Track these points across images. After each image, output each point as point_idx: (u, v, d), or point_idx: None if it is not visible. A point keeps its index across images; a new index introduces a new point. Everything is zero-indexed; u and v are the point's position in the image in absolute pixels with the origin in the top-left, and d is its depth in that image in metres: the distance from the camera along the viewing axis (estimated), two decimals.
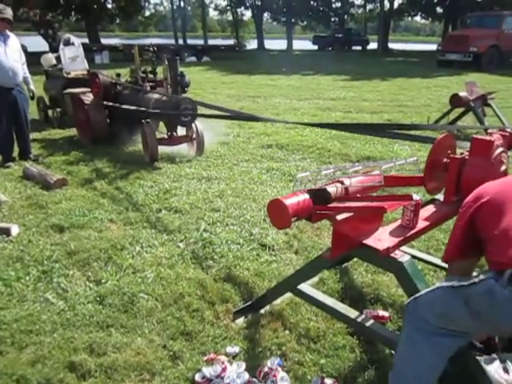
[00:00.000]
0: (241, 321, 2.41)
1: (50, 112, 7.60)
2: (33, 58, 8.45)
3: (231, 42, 37.26)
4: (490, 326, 1.49)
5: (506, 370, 1.88)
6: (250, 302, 2.50)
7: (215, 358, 2.09)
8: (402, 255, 1.80)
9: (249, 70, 17.65)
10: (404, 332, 1.64)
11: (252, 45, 39.37)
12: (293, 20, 40.80)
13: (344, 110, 8.77)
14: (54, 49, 8.55)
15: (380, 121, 7.71)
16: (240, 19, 44.95)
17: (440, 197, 2.28)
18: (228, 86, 13.11)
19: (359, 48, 36.30)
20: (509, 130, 2.36)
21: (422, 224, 1.99)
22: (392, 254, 1.79)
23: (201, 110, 5.47)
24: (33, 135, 5.94)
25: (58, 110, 7.37)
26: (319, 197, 1.80)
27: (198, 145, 5.54)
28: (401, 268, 1.77)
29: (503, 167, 2.11)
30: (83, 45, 7.85)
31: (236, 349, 2.17)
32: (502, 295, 1.31)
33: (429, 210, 2.16)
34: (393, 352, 2.09)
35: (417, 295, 1.59)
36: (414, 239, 2.08)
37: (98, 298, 2.59)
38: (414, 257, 2.62)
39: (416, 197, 1.88)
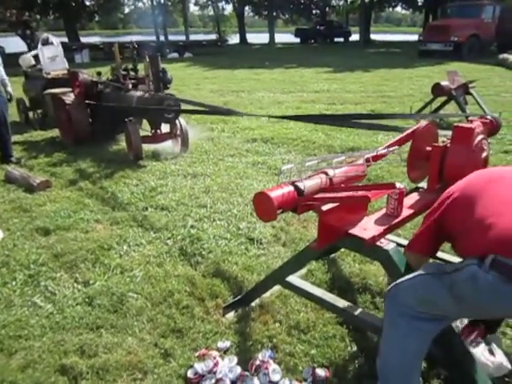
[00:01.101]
0: (231, 315, 2.41)
1: (30, 114, 7.48)
2: (11, 59, 8.31)
3: (213, 36, 37.01)
4: (474, 311, 1.52)
5: (491, 352, 1.93)
6: (239, 297, 2.51)
7: (207, 353, 2.09)
8: (388, 243, 1.82)
9: (231, 64, 17.57)
10: (387, 317, 1.67)
11: (234, 39, 39.16)
12: (274, 13, 40.64)
13: (328, 102, 8.79)
14: (32, 49, 8.38)
15: (363, 112, 7.75)
16: (221, 14, 44.62)
17: (423, 185, 2.31)
18: (211, 81, 13.05)
19: (341, 40, 36.33)
20: (489, 117, 2.40)
21: (406, 212, 2.02)
22: (377, 243, 1.81)
23: (184, 107, 5.44)
24: (14, 138, 5.84)
25: (39, 111, 7.26)
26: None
27: (183, 141, 5.51)
28: (386, 256, 1.79)
29: (484, 154, 2.15)
30: (62, 44, 7.73)
31: (227, 343, 2.18)
32: (485, 280, 1.33)
33: (413, 198, 2.19)
34: None
35: (398, 281, 1.62)
36: (399, 227, 2.11)
37: (86, 300, 2.57)
38: (399, 245, 2.65)
39: (400, 185, 1.90)
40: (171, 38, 35.73)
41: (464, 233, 1.53)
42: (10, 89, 5.37)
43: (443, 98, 6.80)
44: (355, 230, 1.86)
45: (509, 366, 1.90)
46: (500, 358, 1.91)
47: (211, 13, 47.96)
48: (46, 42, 7.22)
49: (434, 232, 1.69)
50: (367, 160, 2.01)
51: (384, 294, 1.69)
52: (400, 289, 1.59)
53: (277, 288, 2.51)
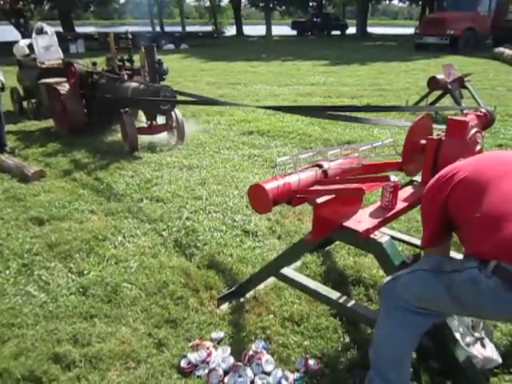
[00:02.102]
0: (225, 307, 2.42)
1: (24, 103, 7.43)
2: (5, 48, 8.22)
3: (209, 28, 36.73)
4: (472, 312, 1.50)
5: (482, 345, 1.95)
6: (233, 288, 2.52)
7: (200, 343, 2.11)
8: (382, 236, 1.83)
9: (228, 56, 17.49)
10: (382, 309, 1.67)
11: (230, 31, 38.91)
12: (271, 5, 40.34)
13: (324, 95, 8.78)
14: (26, 38, 8.31)
15: (360, 105, 7.75)
16: (218, 5, 44.18)
17: (418, 178, 2.32)
18: (208, 73, 12.99)
19: (338, 33, 36.18)
20: (483, 110, 2.41)
21: (400, 205, 2.02)
22: (371, 235, 1.81)
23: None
24: (8, 127, 5.79)
25: (33, 100, 7.20)
26: None
27: (179, 133, 5.49)
28: (380, 249, 1.79)
29: (478, 147, 2.15)
30: (57, 34, 7.65)
31: (221, 334, 2.19)
32: (486, 285, 1.30)
33: (407, 191, 2.20)
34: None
35: (395, 275, 1.62)
36: (393, 220, 2.11)
37: (80, 289, 2.57)
38: (394, 238, 2.66)
39: (394, 178, 1.91)
40: (167, 29, 35.47)
41: (467, 223, 1.44)
42: (1, 77, 5.30)
43: (439, 92, 6.81)
44: (349, 223, 1.87)
45: (499, 359, 1.92)
46: (490, 350, 1.93)
47: (207, 4, 47.52)
48: (41, 32, 7.15)
49: (442, 218, 1.55)
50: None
51: (380, 286, 1.68)
52: (398, 283, 1.58)
53: (271, 280, 2.52)
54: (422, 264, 1.56)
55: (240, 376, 1.92)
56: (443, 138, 2.13)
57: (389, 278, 1.66)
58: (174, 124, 5.49)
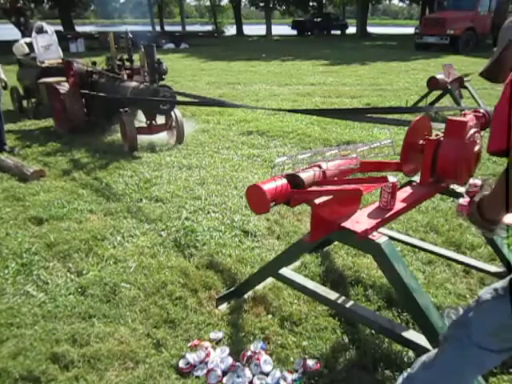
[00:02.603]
0: (224, 307, 2.42)
1: (24, 102, 7.43)
2: (5, 47, 8.21)
3: (209, 28, 36.72)
4: None
5: None
6: (232, 288, 2.52)
7: (199, 344, 2.11)
8: (380, 236, 1.83)
9: (228, 56, 17.49)
10: (448, 359, 1.41)
11: (230, 31, 38.90)
12: (271, 5, 40.33)
13: (324, 95, 8.78)
14: (26, 37, 8.32)
15: (359, 105, 7.76)
16: (218, 4, 44.17)
17: (417, 179, 2.32)
18: (207, 72, 12.99)
19: (338, 32, 36.17)
20: (482, 110, 2.40)
21: (399, 205, 2.02)
22: (370, 236, 1.82)
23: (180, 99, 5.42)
24: (7, 126, 5.80)
25: (33, 100, 7.20)
26: (292, 182, 1.81)
27: (178, 133, 5.49)
28: (378, 249, 1.79)
29: (477, 147, 2.16)
30: (57, 33, 7.65)
31: (219, 334, 2.19)
32: None
33: (406, 191, 2.19)
34: (373, 332, 2.14)
35: (463, 322, 1.39)
36: (392, 220, 2.11)
37: (79, 289, 2.57)
38: (393, 238, 2.67)
39: (392, 179, 1.91)
40: (167, 28, 35.47)
41: None
42: (3, 76, 5.30)
43: (439, 92, 6.80)
44: (348, 223, 1.87)
45: None
46: None
47: (208, 3, 47.48)
48: (41, 31, 7.15)
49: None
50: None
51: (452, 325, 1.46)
52: (471, 328, 1.35)
53: (270, 280, 2.52)
54: (482, 296, 1.36)
55: (238, 376, 1.93)
56: (442, 138, 2.13)
57: (453, 325, 1.43)
58: (174, 124, 5.49)
